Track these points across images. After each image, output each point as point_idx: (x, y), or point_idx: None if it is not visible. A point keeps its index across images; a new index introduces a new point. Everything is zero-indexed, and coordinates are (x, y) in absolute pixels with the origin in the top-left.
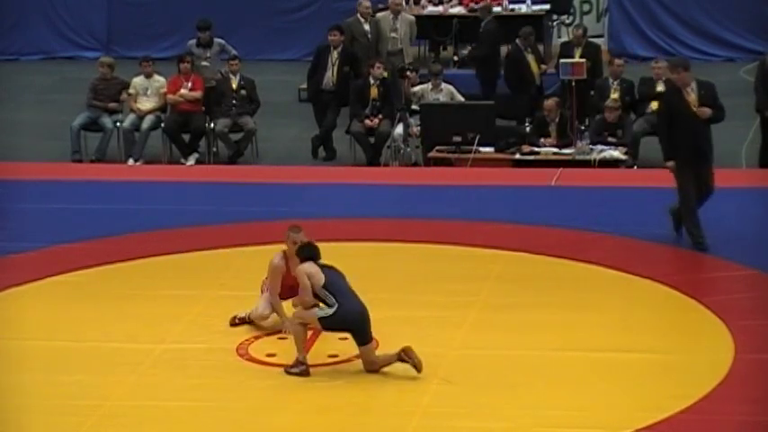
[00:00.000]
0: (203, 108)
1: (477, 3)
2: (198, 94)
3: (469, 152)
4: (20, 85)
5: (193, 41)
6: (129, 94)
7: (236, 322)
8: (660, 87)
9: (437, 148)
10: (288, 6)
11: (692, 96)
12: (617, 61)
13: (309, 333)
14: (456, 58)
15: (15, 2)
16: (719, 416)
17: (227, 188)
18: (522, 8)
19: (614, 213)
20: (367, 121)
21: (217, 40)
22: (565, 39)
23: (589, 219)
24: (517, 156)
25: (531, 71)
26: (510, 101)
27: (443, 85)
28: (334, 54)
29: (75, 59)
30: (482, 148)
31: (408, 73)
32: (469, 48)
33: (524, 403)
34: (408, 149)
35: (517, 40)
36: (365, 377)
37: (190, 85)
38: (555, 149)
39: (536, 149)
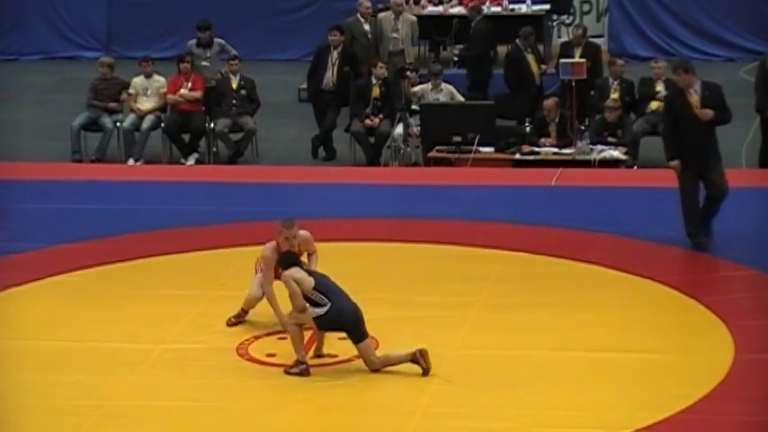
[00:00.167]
0: (203, 108)
1: (477, 2)
2: (198, 94)
3: (469, 152)
4: (20, 85)
5: (193, 41)
6: (129, 94)
7: (232, 322)
8: (660, 87)
9: (437, 148)
10: (288, 6)
11: (694, 98)
12: (618, 62)
13: (308, 334)
14: (456, 58)
15: (15, 2)
16: (719, 416)
17: (227, 188)
18: (522, 8)
19: (614, 213)
20: (367, 121)
21: (217, 40)
22: (565, 39)
23: (589, 219)
24: (517, 156)
25: (531, 71)
26: (510, 101)
27: (443, 85)
28: (334, 54)
29: (75, 59)
30: (482, 148)
31: (408, 73)
32: (460, 48)
33: (524, 403)
34: (408, 149)
35: (517, 40)
36: (365, 377)
37: (190, 85)
38: (555, 149)
39: (536, 149)
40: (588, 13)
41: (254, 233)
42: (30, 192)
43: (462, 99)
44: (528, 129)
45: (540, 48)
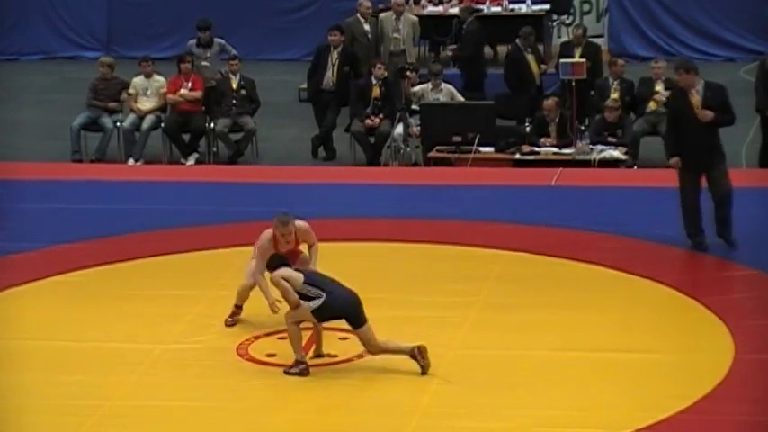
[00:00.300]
0: (203, 108)
1: (477, 3)
2: (198, 94)
3: (469, 152)
4: (20, 85)
5: (193, 41)
6: (129, 94)
7: (229, 322)
8: (659, 87)
9: (437, 148)
10: (288, 6)
11: (695, 98)
12: (619, 62)
13: (307, 335)
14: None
15: (15, 2)
16: (719, 416)
17: (227, 188)
18: (522, 8)
19: (614, 213)
20: (367, 121)
21: (217, 40)
22: (565, 39)
23: (589, 219)
24: (517, 156)
25: (531, 71)
26: (510, 101)
27: (443, 85)
28: (334, 54)
29: (75, 59)
30: (482, 148)
31: (408, 73)
32: (453, 48)
33: (524, 403)
34: (408, 149)
35: (517, 40)
36: (365, 377)
37: (190, 85)
38: (555, 149)
39: (536, 149)
40: (588, 13)
41: (254, 233)
42: (30, 192)
43: (462, 99)
44: (528, 129)
45: (540, 48)
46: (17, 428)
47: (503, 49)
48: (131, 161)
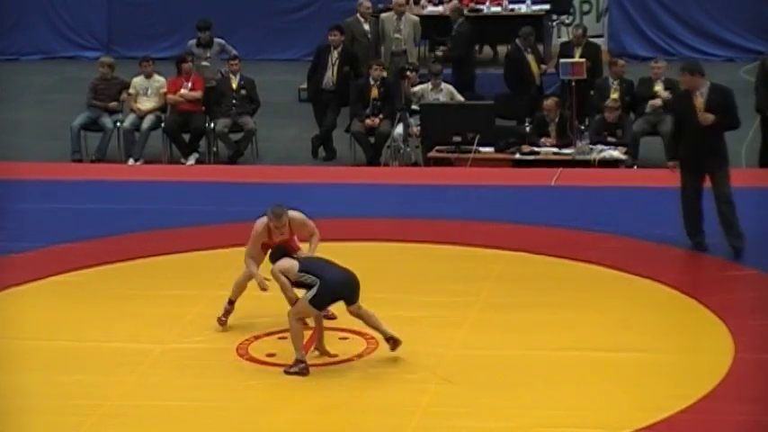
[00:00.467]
0: (203, 108)
1: (477, 3)
2: (198, 94)
3: (469, 152)
4: (20, 85)
5: (193, 41)
6: (129, 94)
7: (222, 321)
8: (658, 87)
9: (437, 148)
10: (288, 6)
11: (699, 100)
12: (620, 62)
13: (307, 334)
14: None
15: (15, 2)
16: (719, 416)
17: (227, 188)
18: (522, 8)
19: (614, 213)
20: (367, 121)
21: (217, 40)
22: (565, 39)
23: (589, 219)
24: (517, 156)
25: (531, 71)
26: (510, 101)
27: (443, 85)
28: (335, 54)
29: (75, 59)
30: (482, 148)
31: (408, 73)
32: (443, 49)
33: (524, 403)
34: (408, 149)
35: (517, 40)
36: (365, 377)
37: (190, 85)
38: (555, 149)
39: (536, 149)
40: (588, 13)
41: None
42: (30, 192)
43: (462, 99)
44: (528, 129)
45: (540, 48)
46: (17, 428)
47: (503, 49)
48: (131, 161)
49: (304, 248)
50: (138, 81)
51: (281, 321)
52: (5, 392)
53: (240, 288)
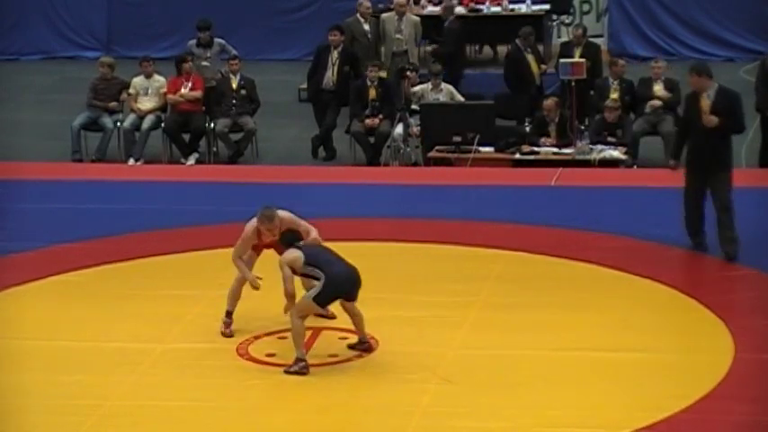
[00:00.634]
0: (203, 108)
1: (477, 3)
2: (198, 93)
3: (469, 152)
4: (20, 85)
5: (193, 41)
6: (130, 94)
7: (227, 333)
8: (658, 87)
9: (437, 147)
10: (288, 6)
11: (705, 102)
12: (620, 62)
13: (308, 333)
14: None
15: (15, 2)
16: (719, 415)
17: (227, 188)
18: (522, 8)
19: (614, 213)
20: (367, 121)
21: (217, 40)
22: (565, 39)
23: (589, 219)
24: (517, 156)
25: (531, 71)
26: (510, 101)
27: (443, 85)
28: (335, 54)
29: (75, 59)
30: (482, 148)
31: (408, 73)
32: (433, 47)
33: (524, 403)
34: (408, 149)
35: (517, 40)
36: (365, 377)
37: (190, 84)
38: (555, 149)
39: (536, 149)
40: (588, 13)
41: None
42: (30, 192)
43: (462, 99)
44: (528, 129)
45: (540, 48)
46: (17, 428)
47: (503, 49)
48: (131, 161)
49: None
50: (138, 81)
51: (281, 321)
52: (5, 392)
53: (235, 297)
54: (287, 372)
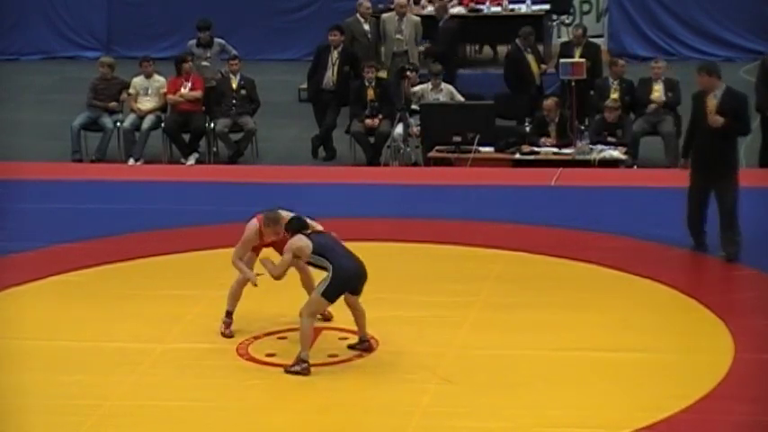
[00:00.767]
0: (203, 108)
1: (477, 2)
2: (198, 93)
3: (469, 152)
4: (20, 85)
5: (193, 41)
6: (129, 94)
7: (227, 333)
8: (658, 87)
9: (437, 147)
10: (288, 6)
11: (711, 102)
12: (620, 62)
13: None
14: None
15: (15, 2)
16: (719, 416)
17: (227, 188)
18: (522, 8)
19: (614, 213)
20: (367, 121)
21: (217, 40)
22: (565, 39)
23: (589, 219)
24: (517, 156)
25: (531, 71)
26: (510, 101)
27: (443, 85)
28: (335, 54)
29: (75, 59)
30: (482, 148)
31: (408, 73)
32: (427, 46)
33: (524, 403)
34: (408, 149)
35: (517, 40)
36: (365, 377)
37: (190, 84)
38: (555, 149)
39: (536, 149)
40: (588, 13)
41: None
42: (30, 192)
43: (462, 99)
44: (528, 129)
45: (540, 48)
46: (17, 428)
47: (503, 49)
48: (131, 161)
49: None
50: (138, 81)
51: (281, 321)
52: (5, 392)
53: (236, 297)
54: (288, 371)
